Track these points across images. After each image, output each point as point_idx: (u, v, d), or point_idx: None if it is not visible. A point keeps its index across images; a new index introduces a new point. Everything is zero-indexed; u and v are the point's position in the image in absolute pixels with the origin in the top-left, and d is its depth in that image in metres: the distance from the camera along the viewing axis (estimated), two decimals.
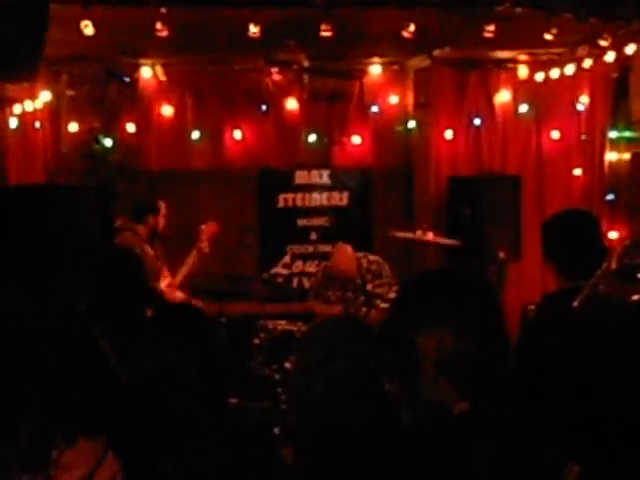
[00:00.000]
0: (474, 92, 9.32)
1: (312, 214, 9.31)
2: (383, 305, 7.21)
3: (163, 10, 6.64)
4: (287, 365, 6.80)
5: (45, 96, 8.29)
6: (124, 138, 8.70)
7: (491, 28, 7.12)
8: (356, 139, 9.33)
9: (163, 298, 6.80)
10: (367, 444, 2.32)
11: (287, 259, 9.15)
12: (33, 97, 8.23)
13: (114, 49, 8.02)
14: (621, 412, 2.50)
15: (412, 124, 9.24)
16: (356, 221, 9.18)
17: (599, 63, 8.55)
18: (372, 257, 7.70)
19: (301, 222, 9.29)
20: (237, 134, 9.04)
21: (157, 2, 6.64)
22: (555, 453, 2.24)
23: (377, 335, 2.53)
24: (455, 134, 9.23)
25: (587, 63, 8.63)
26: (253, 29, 6.82)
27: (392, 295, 7.13)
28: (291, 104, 9.08)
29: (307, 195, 9.31)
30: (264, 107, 8.99)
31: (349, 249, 7.57)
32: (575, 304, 3.15)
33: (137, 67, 8.63)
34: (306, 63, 8.82)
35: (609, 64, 8.50)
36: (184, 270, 7.27)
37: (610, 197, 9.11)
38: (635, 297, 2.88)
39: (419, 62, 9.04)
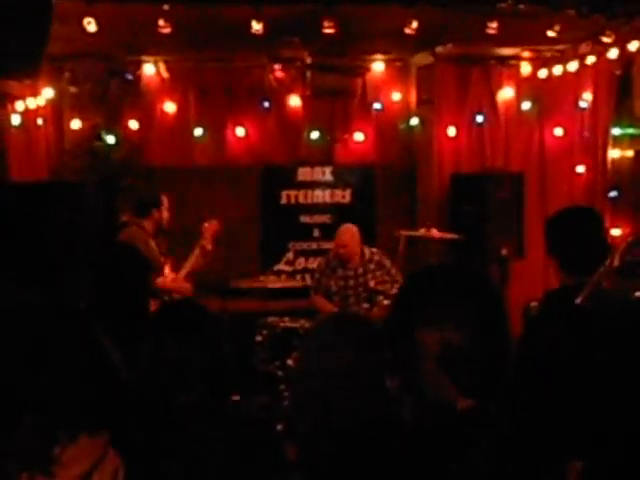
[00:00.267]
0: (477, 89, 9.31)
1: (315, 211, 9.32)
2: (385, 302, 7.23)
3: (166, 7, 6.63)
4: (289, 362, 6.82)
5: (48, 93, 8.30)
6: (127, 135, 8.71)
7: (494, 25, 7.11)
8: (359, 136, 9.34)
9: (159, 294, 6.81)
10: (368, 441, 2.32)
11: (290, 256, 9.14)
12: (36, 94, 8.24)
13: (117, 46, 8.03)
14: (624, 410, 2.49)
15: (415, 121, 9.24)
16: (358, 218, 9.16)
17: (602, 60, 8.54)
18: (373, 249, 7.75)
19: (304, 219, 9.30)
20: (240, 131, 9.04)
21: None
22: (557, 451, 2.24)
23: (379, 332, 2.53)
24: (458, 131, 9.23)
25: (590, 60, 8.63)
26: (256, 26, 6.81)
27: (394, 292, 7.13)
28: (294, 101, 9.09)
29: (310, 192, 9.32)
30: (267, 104, 9.00)
31: (354, 228, 7.61)
32: (578, 301, 3.15)
33: (140, 64, 8.65)
34: (309, 60, 8.82)
35: (612, 61, 8.49)
36: (187, 266, 7.27)
37: (613, 194, 9.09)
38: (638, 293, 2.88)
39: (422, 59, 9.04)
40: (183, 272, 7.26)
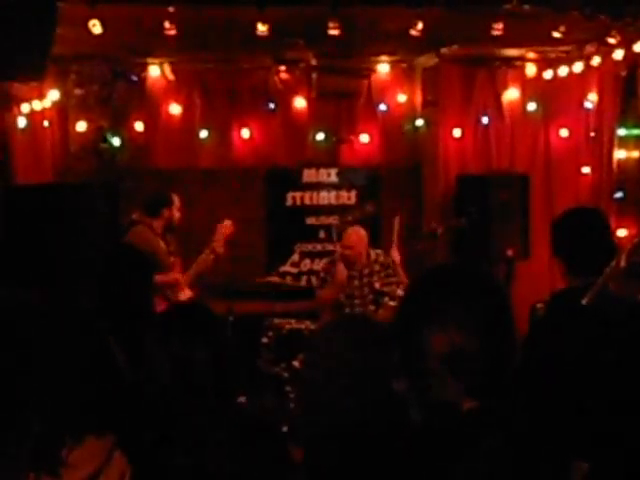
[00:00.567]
0: (482, 90, 9.30)
1: (320, 213, 9.31)
2: (391, 303, 7.21)
3: (171, 9, 6.65)
4: (295, 364, 6.81)
5: (53, 95, 8.31)
6: (132, 137, 8.72)
7: (499, 26, 7.11)
8: (364, 137, 9.33)
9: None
10: (375, 442, 2.32)
11: (296, 257, 9.15)
12: (41, 96, 8.25)
13: (122, 48, 8.04)
14: (629, 410, 2.49)
15: (420, 122, 9.24)
16: (364, 220, 9.15)
17: (607, 61, 8.53)
18: (378, 251, 7.76)
19: (309, 220, 9.29)
20: (245, 133, 9.05)
21: (165, 1, 6.64)
22: (563, 451, 2.24)
23: (386, 333, 2.52)
24: (463, 132, 9.22)
25: (595, 61, 8.61)
26: (261, 28, 6.82)
27: (400, 293, 7.13)
28: (299, 103, 9.10)
29: (315, 194, 9.31)
30: (272, 106, 9.01)
31: (362, 231, 7.61)
32: (584, 302, 3.14)
33: (145, 66, 8.65)
34: (314, 61, 8.83)
35: (618, 62, 8.48)
36: (195, 268, 7.26)
37: (619, 195, 9.08)
38: None
39: (427, 60, 9.03)
40: (192, 272, 7.26)
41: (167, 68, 8.73)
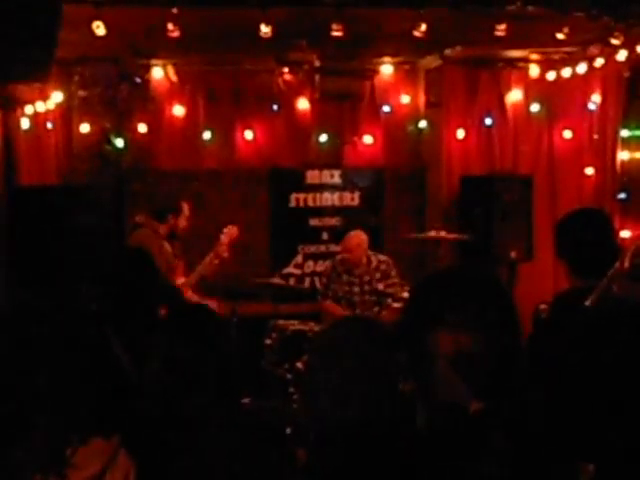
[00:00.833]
0: (486, 91, 9.31)
1: (323, 214, 9.31)
2: (395, 305, 7.22)
3: (174, 10, 6.65)
4: (299, 365, 6.81)
5: (57, 97, 8.32)
6: (136, 138, 8.72)
7: (503, 27, 7.10)
8: (367, 139, 9.34)
9: (179, 295, 6.80)
10: (381, 444, 2.32)
11: (299, 259, 9.15)
12: (45, 98, 8.26)
13: (126, 50, 8.05)
14: (634, 411, 2.49)
15: (423, 124, 9.24)
16: (367, 221, 9.16)
17: (611, 62, 8.53)
18: (382, 257, 7.75)
19: (313, 222, 9.29)
20: (248, 134, 9.05)
21: (168, 2, 6.64)
22: (569, 453, 2.24)
23: (391, 334, 2.52)
24: (467, 133, 9.22)
25: (599, 62, 8.62)
26: (264, 29, 6.82)
27: (404, 295, 7.13)
28: (302, 104, 9.10)
29: (318, 195, 9.31)
30: (275, 107, 9.01)
31: (363, 236, 7.61)
32: (588, 303, 3.15)
33: (148, 67, 8.66)
34: (317, 63, 8.83)
35: (621, 63, 8.48)
36: (200, 270, 7.26)
37: (622, 196, 9.08)
38: None
39: (430, 61, 9.03)
40: (196, 274, 7.26)
41: (171, 70, 8.73)
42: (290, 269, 9.10)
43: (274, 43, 7.23)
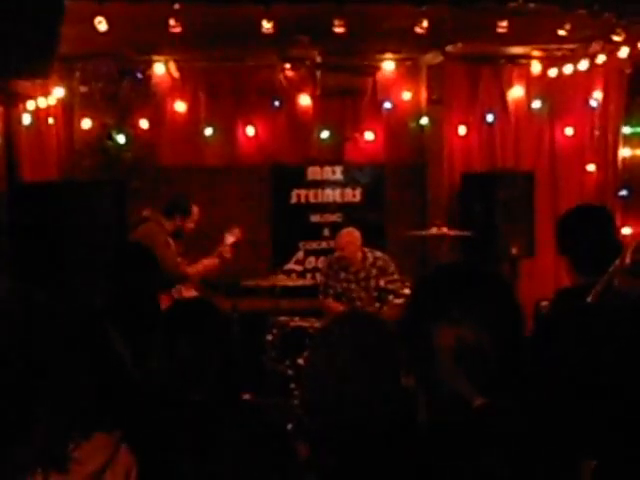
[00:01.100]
0: (487, 88, 9.31)
1: (325, 210, 9.31)
2: (396, 301, 7.22)
3: (176, 6, 6.64)
4: (300, 361, 6.82)
5: (58, 92, 8.32)
6: (137, 134, 8.73)
7: (504, 24, 7.09)
8: (369, 135, 9.34)
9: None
10: (383, 439, 2.32)
11: (300, 255, 9.16)
12: (47, 94, 8.26)
13: (127, 46, 8.06)
14: (637, 408, 2.50)
15: (425, 120, 9.24)
16: (369, 217, 9.16)
17: (612, 59, 8.53)
18: (378, 254, 7.74)
19: (314, 218, 9.29)
20: (250, 130, 9.06)
21: None
22: (571, 449, 2.24)
23: (393, 329, 2.53)
24: (468, 130, 9.23)
25: (600, 59, 8.61)
26: (266, 25, 6.81)
27: (405, 291, 7.14)
28: (304, 100, 9.10)
29: (320, 191, 9.32)
30: (277, 103, 9.01)
31: (355, 233, 7.61)
32: (589, 300, 3.15)
33: (150, 63, 8.66)
34: (319, 59, 8.82)
35: (623, 60, 8.48)
36: (201, 269, 7.27)
37: (624, 193, 9.09)
38: None
39: (432, 58, 9.03)
40: (193, 269, 7.26)
41: (172, 66, 8.73)
42: (291, 265, 9.11)
43: (276, 39, 7.22)
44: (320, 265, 8.95)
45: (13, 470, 2.10)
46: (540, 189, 8.94)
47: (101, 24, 6.51)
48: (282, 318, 7.34)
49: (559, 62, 8.99)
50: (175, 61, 8.73)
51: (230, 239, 7.31)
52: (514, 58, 9.18)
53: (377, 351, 2.42)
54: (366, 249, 7.69)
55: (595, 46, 8.61)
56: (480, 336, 2.08)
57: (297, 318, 7.39)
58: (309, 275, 9.16)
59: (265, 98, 9.01)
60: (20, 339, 2.22)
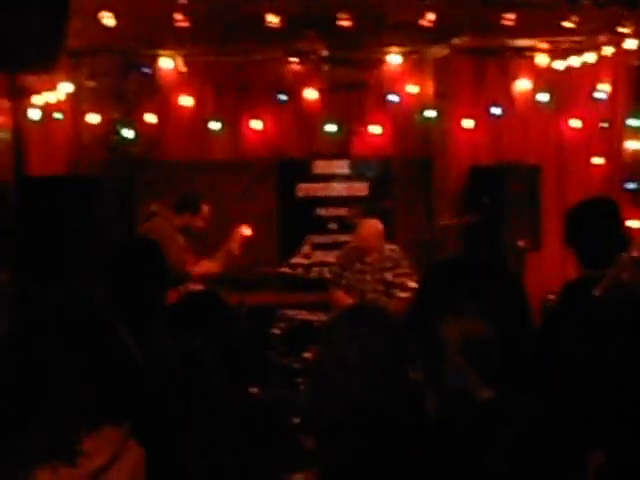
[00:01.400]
0: (493, 81, 9.29)
1: (331, 204, 9.31)
2: (403, 295, 7.21)
3: (183, 1, 6.65)
4: (307, 355, 6.82)
5: (66, 87, 8.33)
6: (144, 129, 8.74)
7: (510, 16, 7.09)
8: (375, 129, 9.32)
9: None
10: (390, 432, 2.32)
11: (307, 249, 9.15)
12: (54, 88, 8.26)
13: (134, 40, 8.06)
14: None
15: (431, 113, 9.21)
16: (375, 211, 9.15)
17: (620, 51, 8.50)
18: (393, 246, 7.74)
19: (320, 212, 9.29)
20: (256, 124, 9.05)
21: None
22: (579, 441, 2.24)
23: (400, 322, 2.53)
24: (474, 123, 9.21)
25: (608, 51, 8.59)
26: (272, 19, 6.82)
27: (412, 285, 7.12)
28: (310, 94, 9.09)
29: (326, 185, 9.31)
30: (283, 97, 9.00)
31: (378, 225, 7.61)
32: (596, 292, 3.15)
33: (157, 58, 8.66)
34: (325, 53, 8.82)
35: (630, 52, 8.46)
36: (201, 269, 7.27)
37: (631, 186, 9.06)
38: None
39: (438, 51, 9.01)
40: (201, 267, 7.27)
41: (179, 60, 8.73)
42: (298, 259, 9.09)
43: (282, 33, 7.23)
44: (327, 259, 8.94)
45: (21, 463, 2.11)
46: (547, 182, 8.93)
47: (108, 19, 6.52)
48: (289, 312, 7.34)
49: (566, 54, 8.97)
50: (181, 56, 8.72)
51: (239, 236, 7.30)
52: (520, 51, 9.16)
53: (384, 345, 2.42)
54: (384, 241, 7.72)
55: (602, 38, 8.59)
56: (487, 329, 2.08)
57: (304, 312, 7.39)
58: (316, 269, 9.15)
59: (271, 92, 9.01)
60: (26, 329, 2.23)
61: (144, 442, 2.31)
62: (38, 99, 8.20)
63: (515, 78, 9.28)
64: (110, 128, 8.60)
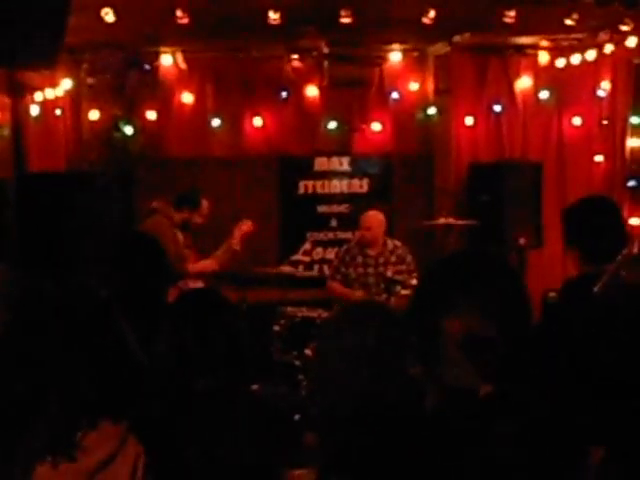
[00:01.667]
0: (494, 78, 9.28)
1: (332, 201, 9.31)
2: (403, 292, 7.21)
3: None
4: (307, 352, 6.82)
5: (66, 84, 8.32)
6: (144, 126, 8.73)
7: (512, 14, 7.08)
8: (376, 126, 9.32)
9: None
10: (391, 427, 2.32)
11: (307, 246, 9.15)
12: (54, 85, 8.26)
13: (135, 37, 8.05)
14: None
15: (432, 110, 9.22)
16: (376, 208, 9.14)
17: (620, 48, 8.50)
18: (397, 242, 7.78)
19: (321, 209, 9.29)
20: (257, 121, 9.05)
21: None
22: (579, 437, 2.24)
23: (401, 318, 2.53)
24: (476, 120, 9.21)
25: (608, 48, 8.59)
26: (273, 16, 6.81)
27: (412, 282, 7.13)
28: (311, 91, 9.09)
29: (327, 182, 9.31)
30: (284, 94, 9.00)
31: (381, 215, 7.65)
32: (596, 289, 3.15)
33: (157, 55, 8.66)
34: (326, 50, 8.80)
35: (631, 49, 8.46)
36: (198, 267, 7.27)
37: (631, 183, 9.07)
38: None
39: (439, 48, 9.01)
40: (202, 265, 7.27)
41: (179, 57, 8.73)
42: (299, 256, 9.09)
43: (283, 30, 7.23)
44: (327, 256, 8.96)
45: (22, 458, 2.11)
46: (548, 179, 8.93)
47: (108, 15, 6.52)
48: (290, 309, 7.35)
49: (567, 52, 8.96)
50: (182, 52, 8.72)
51: (240, 231, 7.30)
52: (521, 48, 9.15)
53: (384, 340, 2.42)
54: (386, 237, 7.73)
55: (603, 36, 8.58)
56: (487, 324, 2.08)
57: (305, 309, 7.39)
58: (316, 266, 9.16)
59: (272, 89, 9.00)
60: (27, 326, 2.23)
61: (145, 439, 2.31)
62: (38, 95, 8.20)
63: (516, 76, 9.28)
64: (111, 124, 8.60)
